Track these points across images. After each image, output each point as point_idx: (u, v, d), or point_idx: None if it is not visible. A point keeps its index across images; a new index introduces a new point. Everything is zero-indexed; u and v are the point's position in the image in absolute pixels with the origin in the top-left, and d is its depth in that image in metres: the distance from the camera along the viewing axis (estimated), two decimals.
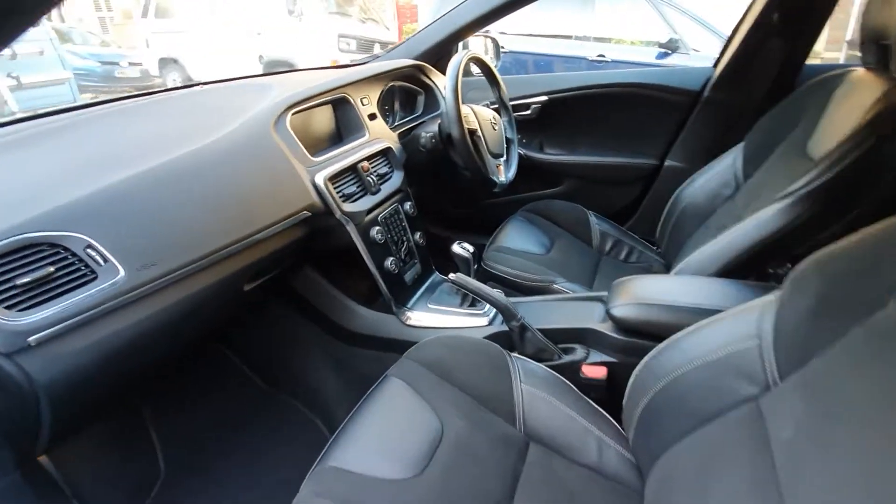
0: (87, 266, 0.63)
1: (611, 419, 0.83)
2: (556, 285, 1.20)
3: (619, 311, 0.92)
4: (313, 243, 1.06)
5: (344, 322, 1.18)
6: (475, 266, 1.12)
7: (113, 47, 7.66)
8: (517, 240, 1.39)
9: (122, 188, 0.68)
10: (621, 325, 0.93)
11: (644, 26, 4.71)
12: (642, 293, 0.93)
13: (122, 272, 0.65)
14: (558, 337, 1.01)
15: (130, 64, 6.89)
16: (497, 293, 1.00)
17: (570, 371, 0.96)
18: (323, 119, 1.17)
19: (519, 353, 0.97)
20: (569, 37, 4.89)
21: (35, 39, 2.67)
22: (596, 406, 0.85)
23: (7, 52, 2.61)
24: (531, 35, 4.80)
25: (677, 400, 0.66)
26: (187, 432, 1.18)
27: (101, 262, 0.64)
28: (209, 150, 0.81)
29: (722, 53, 1.52)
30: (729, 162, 1.31)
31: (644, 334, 0.91)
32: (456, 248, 1.09)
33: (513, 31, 4.69)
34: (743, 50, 1.44)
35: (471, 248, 1.09)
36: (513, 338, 1.01)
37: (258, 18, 6.10)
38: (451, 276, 1.02)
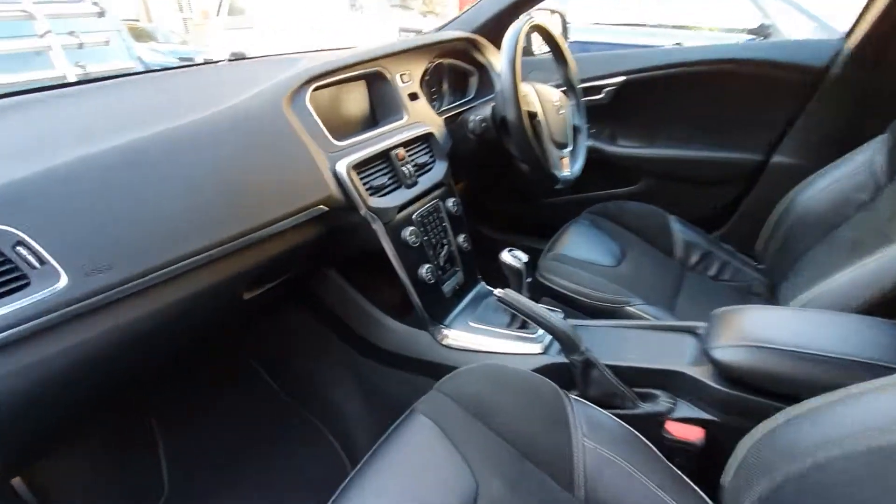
0: (16, 269, 0.49)
1: (704, 497, 0.61)
2: (630, 307, 0.97)
3: (724, 353, 0.69)
4: (332, 245, 0.89)
5: (369, 336, 1.01)
6: (528, 279, 0.91)
7: (191, 45, 8.09)
8: (581, 247, 1.16)
9: (75, 169, 0.54)
10: (726, 373, 0.70)
11: (728, 10, 4.22)
12: (758, 331, 0.68)
13: (63, 277, 0.50)
14: (635, 378, 0.78)
15: (205, 60, 7.22)
16: (555, 316, 0.79)
17: (650, 426, 0.73)
18: (355, 98, 1.00)
19: (580, 395, 0.76)
20: (642, 25, 4.48)
21: (102, 30, 2.74)
22: (683, 476, 0.63)
23: (75, 41, 2.69)
24: (598, 24, 4.44)
25: (824, 494, 0.45)
26: (197, 446, 1.07)
27: (37, 263, 0.49)
28: (200, 125, 0.66)
29: (857, 22, 1.20)
30: (864, 159, 1.02)
31: (759, 389, 0.67)
32: (506, 255, 0.88)
33: (579, 20, 4.35)
34: (887, 16, 1.12)
35: (524, 257, 0.89)
36: (573, 374, 0.79)
37: (320, 13, 6.18)
38: (498, 292, 0.82)
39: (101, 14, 2.70)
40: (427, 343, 0.96)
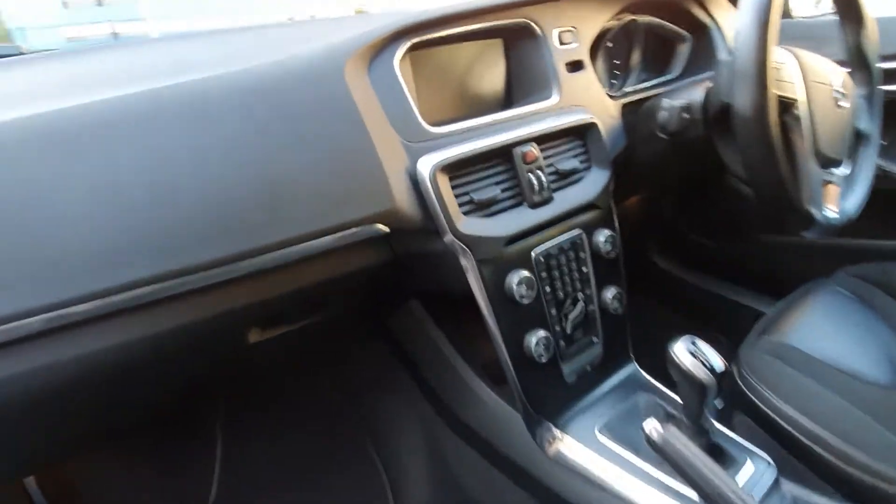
0: None
1: None
2: None
3: None
4: (401, 276, 0.62)
5: (446, 395, 0.73)
6: (717, 400, 0.50)
7: None
8: (830, 337, 0.68)
9: None
10: None
11: None
12: None
13: None
14: None
15: None
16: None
17: None
18: (486, 65, 0.68)
19: None
20: None
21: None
22: None
23: (287, 20, 2.97)
24: None
25: None
26: (256, 459, 0.96)
27: None
28: (193, 90, 0.43)
29: None
30: None
31: None
32: (681, 350, 0.49)
33: None
34: None
35: (718, 364, 0.48)
36: None
37: None
38: (648, 426, 0.44)
39: None
40: (522, 440, 0.63)
